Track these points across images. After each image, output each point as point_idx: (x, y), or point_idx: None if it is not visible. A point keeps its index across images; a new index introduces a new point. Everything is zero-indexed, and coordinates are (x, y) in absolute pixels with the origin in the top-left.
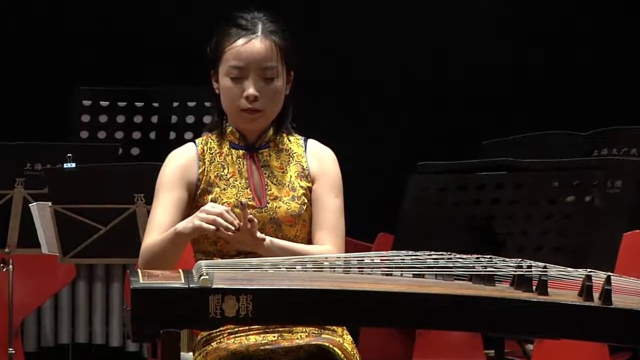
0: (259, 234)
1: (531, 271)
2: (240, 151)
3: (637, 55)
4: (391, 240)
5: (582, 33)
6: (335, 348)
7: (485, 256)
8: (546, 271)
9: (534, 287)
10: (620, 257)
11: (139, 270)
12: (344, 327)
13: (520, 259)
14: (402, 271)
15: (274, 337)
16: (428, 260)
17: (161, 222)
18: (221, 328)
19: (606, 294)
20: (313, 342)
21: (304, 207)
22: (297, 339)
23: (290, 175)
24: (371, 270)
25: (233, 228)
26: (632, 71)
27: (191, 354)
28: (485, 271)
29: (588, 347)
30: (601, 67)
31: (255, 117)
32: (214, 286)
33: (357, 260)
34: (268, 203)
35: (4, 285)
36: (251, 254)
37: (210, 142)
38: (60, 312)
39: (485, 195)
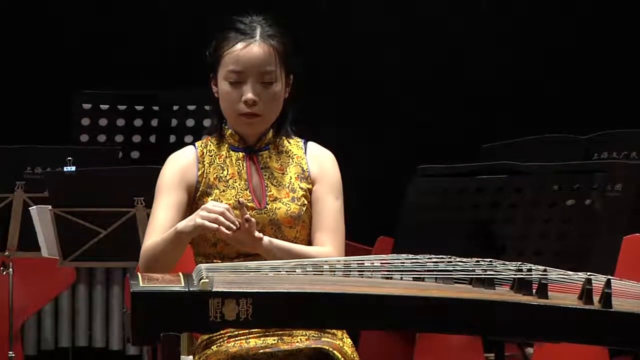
0: (257, 234)
1: (531, 274)
2: (240, 153)
3: (637, 58)
4: (391, 243)
5: (582, 34)
6: (335, 351)
7: (485, 259)
8: (546, 274)
9: (534, 291)
10: (620, 261)
11: (139, 274)
12: (344, 331)
13: (520, 263)
14: (402, 274)
15: (274, 340)
16: (428, 264)
17: (161, 223)
18: (221, 331)
19: (606, 298)
20: (313, 346)
21: (304, 209)
22: (297, 342)
23: (290, 177)
24: (371, 274)
25: (234, 227)
26: (632, 74)
27: (191, 357)
28: (485, 274)
29: (588, 351)
30: (601, 69)
31: (254, 121)
32: (214, 289)
33: (357, 264)
34: (268, 204)
35: (4, 289)
36: (251, 256)
37: (210, 145)
38: (61, 316)
39: (485, 199)
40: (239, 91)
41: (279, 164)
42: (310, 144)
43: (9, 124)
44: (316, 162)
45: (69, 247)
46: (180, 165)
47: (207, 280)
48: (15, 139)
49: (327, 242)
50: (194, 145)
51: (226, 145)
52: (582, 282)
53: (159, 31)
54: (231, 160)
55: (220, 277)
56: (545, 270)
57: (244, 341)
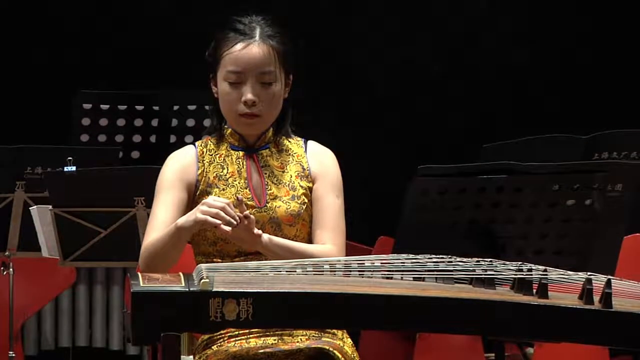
0: (256, 231)
1: (531, 274)
2: (240, 152)
3: (637, 58)
4: (391, 243)
5: (582, 35)
6: (335, 351)
7: (486, 259)
8: (546, 274)
9: (535, 291)
10: (621, 261)
11: (140, 274)
12: (344, 330)
13: (520, 262)
14: (402, 274)
15: (274, 340)
16: (428, 264)
17: (161, 221)
18: (221, 331)
19: (606, 297)
20: (313, 345)
21: (304, 207)
22: (298, 342)
23: (291, 175)
24: (371, 274)
25: (235, 222)
26: (632, 74)
27: (191, 357)
28: (485, 274)
29: (588, 351)
30: (601, 70)
31: (254, 121)
32: (214, 289)
33: (358, 264)
34: (268, 203)
35: (4, 289)
36: (251, 255)
37: (210, 144)
38: (61, 316)
39: (485, 199)
40: (238, 92)
41: (279, 163)
42: (311, 142)
43: (9, 124)
44: (316, 161)
45: (69, 247)
46: (180, 164)
47: (207, 280)
48: (16, 139)
49: (328, 240)
50: (194, 144)
51: (226, 145)
52: (582, 282)
53: (159, 31)
54: (231, 159)
55: (220, 277)
56: (545, 270)
57: (244, 341)
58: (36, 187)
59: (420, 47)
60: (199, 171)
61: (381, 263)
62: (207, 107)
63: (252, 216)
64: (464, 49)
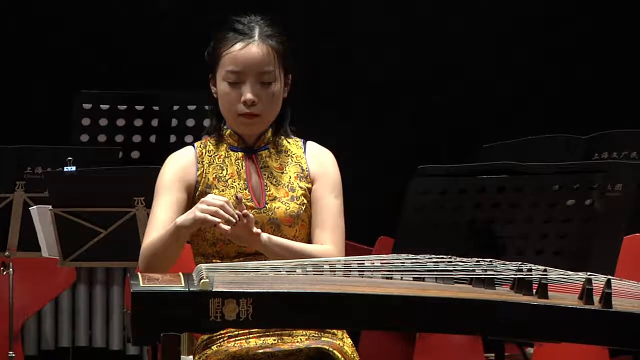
0: (255, 229)
1: (531, 274)
2: (239, 153)
3: (637, 58)
4: (391, 243)
5: (582, 35)
6: (335, 351)
7: (486, 259)
8: (546, 274)
9: (534, 291)
10: (621, 261)
11: (140, 274)
12: (344, 330)
13: (520, 262)
14: (402, 274)
15: (274, 340)
16: (428, 264)
17: (161, 221)
18: (221, 331)
19: (606, 298)
20: (313, 345)
21: (303, 208)
22: (297, 342)
23: (290, 176)
24: (371, 274)
25: (234, 220)
26: (632, 74)
27: (191, 357)
28: (485, 274)
29: (588, 351)
30: (601, 70)
31: (253, 121)
32: (214, 289)
33: (358, 264)
34: (267, 203)
35: (4, 289)
36: (250, 256)
37: (209, 145)
38: (61, 316)
39: (485, 199)
40: (237, 91)
41: (278, 164)
42: (310, 143)
43: (9, 124)
44: (316, 161)
45: (69, 247)
46: (179, 165)
47: (207, 280)
48: (16, 139)
49: (327, 240)
50: (193, 145)
51: (225, 145)
52: (582, 282)
53: (159, 31)
54: (230, 160)
55: (220, 277)
56: (545, 270)
57: (244, 341)
58: (36, 187)
59: (421, 47)
60: (199, 172)
61: (381, 263)
62: (207, 107)
63: (251, 215)
64: (464, 48)
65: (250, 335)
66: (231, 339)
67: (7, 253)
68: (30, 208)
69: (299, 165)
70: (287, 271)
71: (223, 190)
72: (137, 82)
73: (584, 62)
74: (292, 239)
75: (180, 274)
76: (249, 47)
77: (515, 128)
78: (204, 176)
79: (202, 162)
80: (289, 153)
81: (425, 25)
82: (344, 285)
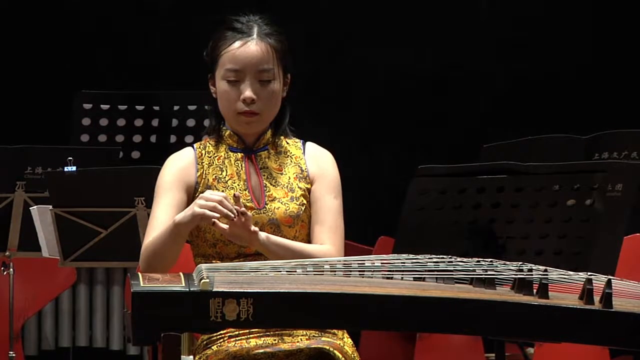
0: (253, 228)
1: (532, 274)
2: (239, 154)
3: (638, 58)
4: (392, 243)
5: (582, 35)
6: (335, 351)
7: (486, 259)
8: (547, 274)
9: (535, 291)
10: (621, 261)
11: (140, 274)
12: (344, 330)
13: (521, 263)
14: (402, 274)
15: (275, 340)
16: (429, 264)
17: (161, 221)
18: (221, 331)
19: (607, 298)
20: (313, 345)
21: (303, 208)
22: (298, 342)
23: (289, 177)
24: (372, 274)
25: (232, 215)
26: (632, 74)
27: (191, 357)
28: (485, 274)
29: (588, 351)
30: (601, 70)
31: (253, 120)
32: (214, 289)
33: (358, 264)
34: (267, 204)
35: (4, 289)
36: (250, 256)
37: (209, 146)
38: (61, 316)
39: (485, 199)
40: (237, 90)
41: (277, 164)
42: (309, 144)
43: (10, 124)
44: (315, 162)
45: (70, 247)
46: (179, 167)
47: (207, 280)
48: (16, 139)
49: (327, 240)
50: (193, 146)
51: (224, 146)
52: (582, 282)
53: (159, 31)
54: (230, 161)
55: (220, 277)
56: (545, 270)
57: (244, 341)
58: (36, 187)
59: (421, 46)
60: (198, 173)
61: (381, 263)
62: (207, 107)
63: (249, 213)
64: (464, 49)
65: (251, 335)
66: (231, 339)
67: (7, 253)
68: (30, 208)
69: (298, 166)
70: (287, 271)
71: (223, 191)
72: (137, 82)
73: (584, 62)
74: (292, 239)
75: (181, 274)
76: (248, 45)
77: (515, 128)
78: (203, 177)
79: (202, 163)
80: (288, 154)
81: (425, 26)
82: (345, 285)
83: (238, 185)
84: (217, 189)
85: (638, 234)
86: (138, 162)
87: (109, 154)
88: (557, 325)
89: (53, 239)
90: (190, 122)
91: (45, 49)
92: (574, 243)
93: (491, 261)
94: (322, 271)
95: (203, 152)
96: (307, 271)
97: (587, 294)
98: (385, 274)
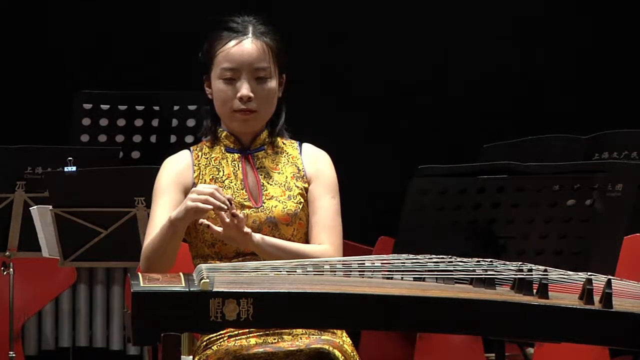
0: (246, 229)
1: (532, 274)
2: (235, 154)
3: (638, 58)
4: (392, 243)
5: (582, 35)
6: (335, 350)
7: (486, 259)
8: (547, 274)
9: (535, 291)
10: (621, 261)
11: (140, 274)
12: (343, 330)
13: (520, 263)
14: (402, 275)
15: (274, 339)
16: (429, 264)
17: (160, 222)
18: (221, 331)
19: (607, 298)
20: (313, 345)
21: (300, 207)
22: (298, 341)
23: (286, 176)
24: (372, 274)
25: (225, 207)
26: (632, 74)
27: (191, 357)
28: (485, 275)
29: (588, 351)
30: (601, 70)
31: (250, 117)
32: (214, 290)
33: (358, 264)
34: (264, 203)
35: (4, 289)
36: (249, 256)
37: (205, 148)
38: (61, 316)
39: (485, 199)
40: (233, 88)
41: (274, 164)
42: (305, 144)
43: (10, 124)
44: (311, 162)
45: (70, 247)
46: (176, 169)
47: (207, 280)
48: (16, 139)
49: (324, 240)
50: (189, 149)
51: (221, 147)
52: (582, 282)
53: (159, 31)
54: (226, 161)
55: (220, 277)
56: (545, 270)
57: (244, 340)
58: (36, 187)
59: (420, 46)
60: (195, 174)
61: (381, 263)
62: (207, 108)
63: (241, 215)
64: (464, 49)
65: (251, 335)
66: (231, 339)
67: (7, 253)
68: (30, 208)
69: (295, 165)
70: (287, 271)
71: None
72: (137, 82)
73: (584, 62)
74: (290, 239)
75: (181, 274)
76: (243, 44)
77: (516, 128)
78: (200, 178)
79: (199, 164)
80: (284, 154)
81: (425, 26)
82: (345, 286)
83: (235, 184)
84: None
85: (638, 234)
86: (138, 162)
87: (109, 154)
88: (557, 325)
89: (53, 239)
90: (190, 122)
91: (45, 49)
92: (574, 243)
93: (491, 261)
94: (322, 271)
95: (199, 153)
96: (307, 271)
97: (587, 294)
98: (385, 274)
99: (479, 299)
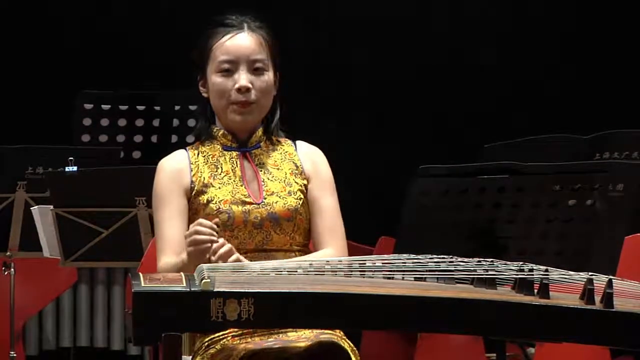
0: (235, 256)
1: (533, 274)
2: (233, 152)
3: (637, 58)
4: (393, 243)
5: (582, 35)
6: (340, 341)
7: (487, 259)
8: (548, 274)
9: (536, 291)
10: (622, 261)
11: (141, 274)
12: (342, 333)
13: (521, 262)
14: (403, 275)
15: (279, 336)
16: (429, 264)
17: (171, 235)
18: (224, 331)
19: (608, 298)
20: (321, 337)
21: (300, 202)
22: (302, 338)
23: (285, 172)
24: (373, 274)
25: (214, 239)
26: (633, 74)
27: (192, 357)
28: (486, 274)
29: (589, 351)
30: (602, 70)
31: (248, 110)
32: (215, 289)
33: (359, 264)
34: (265, 198)
35: (5, 289)
36: (249, 254)
37: (201, 147)
38: (62, 316)
39: (486, 199)
40: (231, 80)
41: (272, 160)
42: (299, 142)
43: (11, 124)
44: (308, 159)
45: (71, 247)
46: (173, 171)
47: (208, 280)
48: (17, 139)
49: (329, 244)
50: (185, 148)
51: (218, 146)
52: (583, 282)
53: (159, 31)
54: (224, 159)
55: (221, 277)
56: (546, 270)
57: (248, 338)
58: (37, 187)
59: (420, 46)
60: (193, 173)
61: (382, 263)
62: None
63: (222, 250)
64: (464, 49)
65: (255, 335)
66: (235, 338)
67: (8, 253)
68: (31, 208)
69: (293, 162)
70: (288, 271)
71: (219, 188)
72: (138, 82)
73: (585, 62)
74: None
75: (182, 273)
76: (239, 36)
77: (516, 128)
78: (199, 176)
79: (196, 162)
80: (281, 151)
81: (425, 26)
82: (345, 286)
83: (234, 181)
84: (213, 186)
85: (638, 234)
86: (139, 162)
87: (110, 154)
88: (558, 325)
89: (54, 239)
90: (191, 122)
91: (46, 48)
92: (574, 243)
93: (492, 261)
94: (323, 271)
95: (196, 152)
96: (308, 271)
97: (588, 294)
98: (386, 274)
99: (480, 299)
